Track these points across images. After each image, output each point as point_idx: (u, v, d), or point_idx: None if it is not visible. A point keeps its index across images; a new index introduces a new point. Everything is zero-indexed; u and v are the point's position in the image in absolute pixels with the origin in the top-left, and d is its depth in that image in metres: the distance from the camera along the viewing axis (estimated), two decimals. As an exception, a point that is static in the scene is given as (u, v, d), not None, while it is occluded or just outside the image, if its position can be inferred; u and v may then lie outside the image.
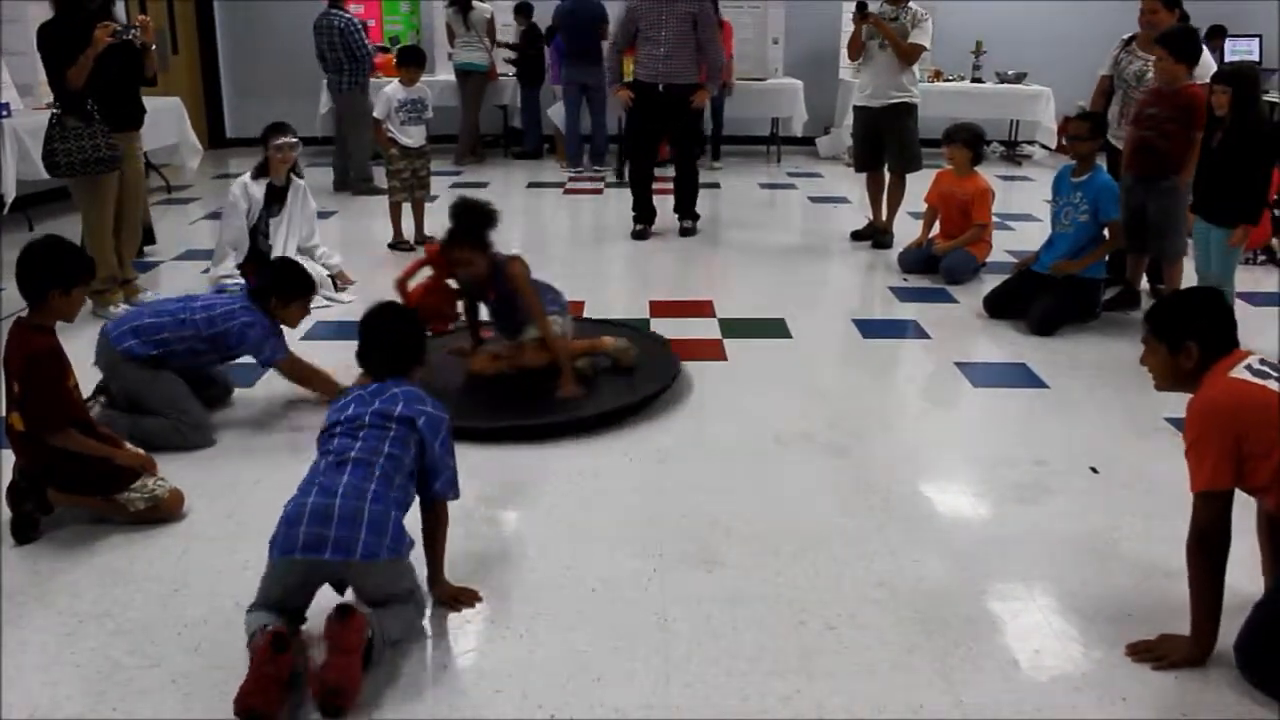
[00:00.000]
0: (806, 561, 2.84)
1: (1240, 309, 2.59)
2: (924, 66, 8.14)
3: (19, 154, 6.16)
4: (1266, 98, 8.31)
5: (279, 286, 3.66)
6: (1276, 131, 5.13)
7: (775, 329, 4.91)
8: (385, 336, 2.68)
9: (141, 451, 3.12)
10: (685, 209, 6.88)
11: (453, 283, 4.13)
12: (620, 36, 6.64)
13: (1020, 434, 3.79)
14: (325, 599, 2.40)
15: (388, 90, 6.36)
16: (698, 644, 2.47)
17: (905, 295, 5.53)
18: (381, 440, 2.46)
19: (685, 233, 6.87)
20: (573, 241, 7.09)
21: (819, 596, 2.68)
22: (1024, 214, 7.58)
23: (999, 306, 5.07)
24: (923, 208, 6.13)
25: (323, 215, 6.39)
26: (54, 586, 2.70)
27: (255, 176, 5.25)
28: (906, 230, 6.42)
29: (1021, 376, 4.33)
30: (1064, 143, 6.57)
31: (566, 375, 3.88)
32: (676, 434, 3.71)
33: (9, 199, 6.15)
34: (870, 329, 4.98)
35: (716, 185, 8.66)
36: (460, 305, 4.28)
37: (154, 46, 5.00)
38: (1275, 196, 5.74)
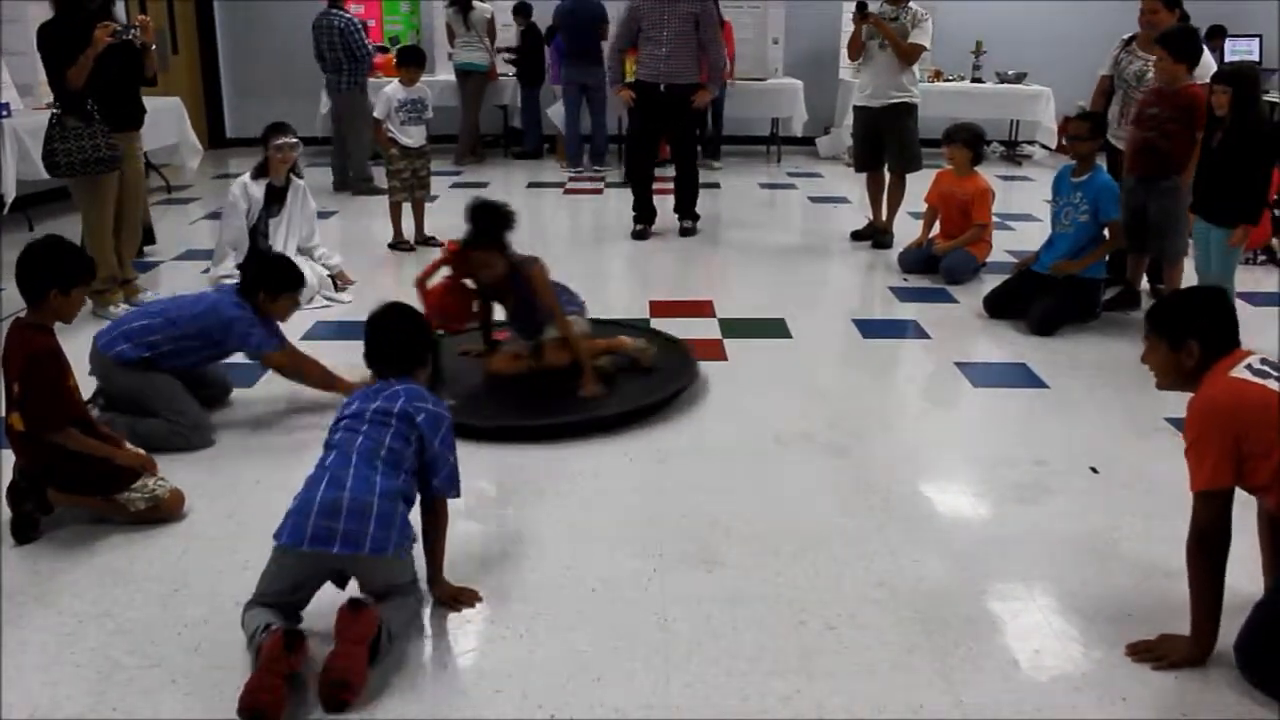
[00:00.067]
0: (806, 561, 2.84)
1: (1240, 309, 2.59)
2: (924, 66, 8.13)
3: (19, 154, 6.16)
4: (1266, 98, 8.31)
5: (266, 280, 3.64)
6: (1276, 131, 5.13)
7: (775, 329, 4.91)
8: (391, 336, 2.69)
9: (142, 451, 3.11)
10: (685, 209, 6.88)
11: (469, 283, 4.12)
12: (622, 36, 6.64)
13: (1020, 434, 3.79)
14: (325, 599, 2.40)
15: (388, 90, 6.36)
16: (698, 644, 2.47)
17: (905, 295, 5.53)
18: (383, 435, 2.48)
19: (685, 233, 6.87)
20: (573, 241, 7.08)
21: (819, 596, 2.68)
22: (1024, 214, 7.58)
23: (999, 306, 5.07)
24: (923, 208, 6.13)
25: (323, 215, 6.39)
26: (54, 586, 2.70)
27: (255, 176, 5.25)
28: (906, 230, 6.42)
29: (1021, 376, 4.33)
30: (1064, 143, 6.56)
31: (588, 375, 3.88)
32: (676, 434, 3.71)
33: (9, 199, 6.15)
34: (870, 329, 4.98)
35: (716, 185, 8.66)
36: (476, 306, 4.27)
37: (154, 46, 5.00)
38: (1275, 196, 5.74)
